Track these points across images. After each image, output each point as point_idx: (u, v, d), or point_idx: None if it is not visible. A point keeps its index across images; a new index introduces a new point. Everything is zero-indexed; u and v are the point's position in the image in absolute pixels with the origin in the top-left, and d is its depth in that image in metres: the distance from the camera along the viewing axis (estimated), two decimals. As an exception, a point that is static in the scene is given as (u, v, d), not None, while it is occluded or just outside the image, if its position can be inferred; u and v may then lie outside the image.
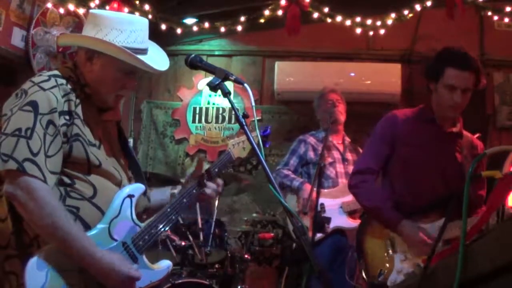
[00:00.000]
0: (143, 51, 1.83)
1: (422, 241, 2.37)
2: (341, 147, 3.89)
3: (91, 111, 1.80)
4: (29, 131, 1.60)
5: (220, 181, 2.07)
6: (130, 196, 1.80)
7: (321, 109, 4.00)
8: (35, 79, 1.72)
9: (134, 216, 1.79)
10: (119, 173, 1.84)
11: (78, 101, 1.74)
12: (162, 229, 1.84)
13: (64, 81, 1.73)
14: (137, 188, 1.85)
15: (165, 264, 1.88)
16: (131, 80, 1.85)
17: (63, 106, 1.68)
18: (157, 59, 1.89)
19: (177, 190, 2.04)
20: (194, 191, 1.96)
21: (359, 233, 2.67)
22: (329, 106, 3.87)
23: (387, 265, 2.45)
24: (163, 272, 1.85)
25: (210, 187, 2.01)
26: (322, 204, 3.47)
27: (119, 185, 1.82)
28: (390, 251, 2.48)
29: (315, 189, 3.13)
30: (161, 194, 2.05)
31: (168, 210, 1.87)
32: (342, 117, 3.90)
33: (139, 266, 1.75)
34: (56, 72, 1.77)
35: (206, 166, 5.34)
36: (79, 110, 1.73)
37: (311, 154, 3.79)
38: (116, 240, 1.71)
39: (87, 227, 1.67)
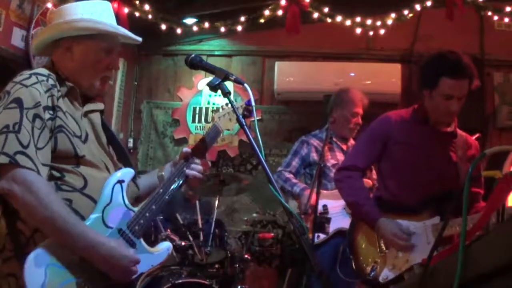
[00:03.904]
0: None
1: (398, 237, 2.37)
2: (344, 148, 3.88)
3: (75, 104, 1.80)
4: (16, 126, 1.60)
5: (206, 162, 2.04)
6: (120, 181, 1.77)
7: (340, 113, 3.71)
8: (16, 79, 1.72)
9: (127, 201, 1.77)
10: (105, 163, 1.83)
11: (59, 94, 1.74)
12: (156, 210, 1.80)
13: (44, 78, 1.73)
14: (126, 173, 1.82)
15: (165, 246, 1.84)
16: (114, 58, 1.87)
17: (47, 101, 1.69)
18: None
19: (164, 171, 2.02)
20: (185, 169, 1.94)
21: (351, 228, 2.67)
22: (352, 122, 3.69)
23: (379, 261, 2.44)
24: (163, 255, 1.82)
25: (198, 165, 1.99)
26: (325, 206, 3.45)
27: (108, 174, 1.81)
28: (384, 247, 2.47)
29: (315, 189, 3.13)
30: (149, 179, 2.03)
31: (161, 191, 1.84)
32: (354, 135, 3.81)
33: (138, 251, 1.72)
34: (36, 70, 1.78)
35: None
36: (61, 103, 1.73)
37: (314, 156, 3.73)
38: (111, 228, 1.69)
39: (81, 218, 1.66)
